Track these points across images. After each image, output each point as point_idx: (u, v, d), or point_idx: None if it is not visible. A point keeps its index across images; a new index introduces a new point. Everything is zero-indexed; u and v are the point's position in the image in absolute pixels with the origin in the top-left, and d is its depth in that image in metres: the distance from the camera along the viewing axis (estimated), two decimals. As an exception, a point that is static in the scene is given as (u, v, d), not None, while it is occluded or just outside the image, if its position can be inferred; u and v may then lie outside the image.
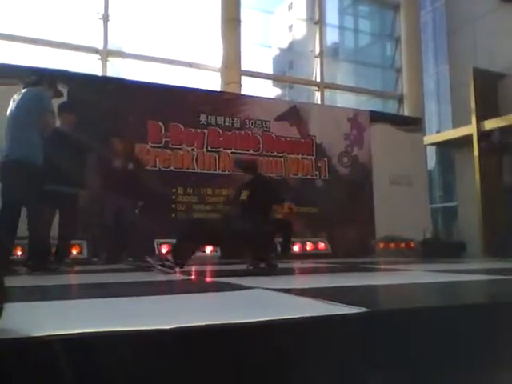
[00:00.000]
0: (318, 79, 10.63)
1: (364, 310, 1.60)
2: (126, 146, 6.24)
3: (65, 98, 5.95)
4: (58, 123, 5.02)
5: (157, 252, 6.69)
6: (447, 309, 1.81)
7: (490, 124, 8.94)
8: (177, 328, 1.30)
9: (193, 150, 7.46)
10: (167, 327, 1.30)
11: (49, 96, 4.43)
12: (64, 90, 6.23)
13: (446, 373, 1.56)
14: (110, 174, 6.00)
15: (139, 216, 6.18)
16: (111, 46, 8.81)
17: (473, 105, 9.31)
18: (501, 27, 9.58)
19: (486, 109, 9.21)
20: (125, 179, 5.89)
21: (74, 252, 6.03)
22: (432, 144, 11.30)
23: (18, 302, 1.84)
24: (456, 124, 10.52)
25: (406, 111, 11.07)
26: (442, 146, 11.73)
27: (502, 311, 1.82)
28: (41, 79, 4.43)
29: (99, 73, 8.42)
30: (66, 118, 5.04)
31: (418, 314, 1.70)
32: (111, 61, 8.71)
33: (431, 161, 12.87)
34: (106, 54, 8.64)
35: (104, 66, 8.61)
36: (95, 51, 8.64)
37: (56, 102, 4.95)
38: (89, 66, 8.59)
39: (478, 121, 9.17)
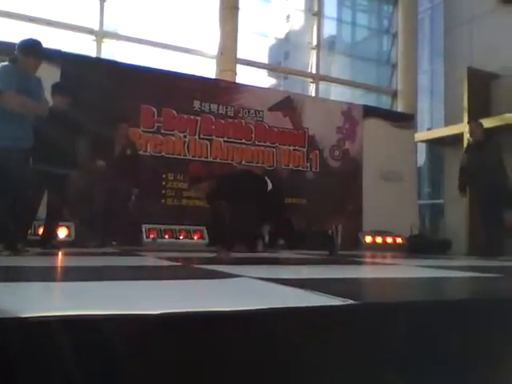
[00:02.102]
0: (314, 71, 10.62)
1: (350, 301, 1.62)
2: (128, 132, 6.19)
3: (57, 79, 5.91)
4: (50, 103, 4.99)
5: (144, 237, 6.70)
6: (431, 303, 1.84)
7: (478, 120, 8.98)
8: (161, 314, 1.31)
9: (185, 136, 7.44)
10: (151, 312, 1.30)
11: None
12: (57, 70, 6.20)
13: (431, 365, 1.59)
14: (106, 157, 5.92)
15: (132, 201, 6.14)
16: (107, 27, 8.72)
17: (465, 103, 9.35)
18: (498, 28, 9.61)
19: (479, 108, 9.26)
20: (122, 164, 5.85)
21: (62, 234, 6.01)
22: (423, 141, 11.35)
23: None
24: (448, 122, 10.57)
25: (400, 107, 11.10)
26: (432, 143, 11.79)
27: (485, 306, 1.86)
28: (17, 52, 4.09)
29: (93, 54, 8.33)
30: (59, 98, 5.00)
31: (404, 307, 1.72)
32: (106, 42, 8.62)
33: (421, 157, 12.94)
34: (101, 35, 8.55)
35: (98, 48, 8.52)
36: (90, 32, 8.55)
37: (47, 79, 4.89)
38: (83, 46, 8.50)
39: (470, 119, 9.21)
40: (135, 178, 5.98)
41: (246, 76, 9.87)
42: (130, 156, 6.05)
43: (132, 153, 6.13)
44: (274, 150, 8.14)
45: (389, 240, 8.63)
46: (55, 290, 1.97)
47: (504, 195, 6.17)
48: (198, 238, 7.08)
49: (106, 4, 8.62)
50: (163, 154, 7.27)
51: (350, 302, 1.61)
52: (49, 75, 5.74)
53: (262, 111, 8.08)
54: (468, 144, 7.07)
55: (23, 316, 1.17)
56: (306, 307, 1.56)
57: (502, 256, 5.83)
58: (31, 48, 4.11)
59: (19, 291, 1.81)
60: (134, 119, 6.99)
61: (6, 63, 4.02)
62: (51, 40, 8.21)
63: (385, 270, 3.96)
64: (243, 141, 7.90)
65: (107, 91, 6.54)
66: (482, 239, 6.60)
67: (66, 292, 1.91)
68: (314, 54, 10.69)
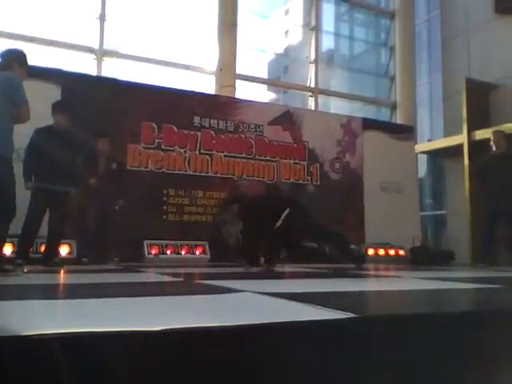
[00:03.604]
0: (313, 85, 10.69)
1: (351, 315, 1.62)
2: (112, 146, 6.23)
3: (58, 97, 5.96)
4: (52, 121, 5.04)
5: (146, 253, 6.70)
6: (434, 315, 1.84)
7: (480, 134, 9.02)
8: (163, 330, 1.31)
9: (185, 151, 7.47)
10: (154, 329, 1.31)
11: (21, 82, 3.91)
12: (58, 89, 6.26)
13: (432, 377, 1.58)
14: (95, 173, 5.98)
15: (119, 214, 6.18)
16: (107, 46, 8.81)
17: (464, 114, 9.39)
18: (495, 38, 9.69)
19: (478, 119, 9.30)
20: (106, 178, 5.91)
21: (64, 252, 6.00)
22: (423, 152, 11.38)
23: None
24: (447, 133, 10.61)
25: (399, 119, 11.15)
26: (433, 154, 11.82)
27: (487, 318, 1.85)
28: (8, 60, 3.98)
29: (94, 73, 8.41)
30: (60, 117, 5.04)
31: (405, 320, 1.72)
32: (106, 61, 8.71)
33: (422, 169, 12.95)
34: (101, 53, 8.64)
35: (99, 66, 8.60)
36: (90, 51, 8.64)
37: (48, 98, 4.93)
38: (84, 65, 8.58)
39: (469, 130, 9.25)
40: (120, 190, 6.07)
41: (245, 91, 9.95)
42: (115, 170, 6.14)
43: (117, 166, 6.19)
44: (274, 163, 8.16)
45: (391, 252, 8.59)
46: (57, 308, 1.97)
47: None
48: (200, 253, 7.06)
49: (105, 23, 8.72)
50: (164, 169, 7.29)
51: (351, 315, 1.62)
52: (50, 94, 5.83)
53: (261, 125, 8.12)
54: (490, 154, 6.84)
55: (23, 334, 1.18)
56: (307, 321, 1.56)
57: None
58: (25, 59, 4.10)
59: (19, 309, 1.81)
60: (135, 136, 7.05)
61: (9, 73, 3.90)
62: (52, 59, 8.32)
63: (386, 283, 3.95)
64: (244, 155, 7.92)
65: (108, 109, 6.60)
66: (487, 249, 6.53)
67: (67, 310, 1.92)
68: (312, 68, 10.77)
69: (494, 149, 6.61)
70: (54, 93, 6.05)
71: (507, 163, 6.31)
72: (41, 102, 4.68)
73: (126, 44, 9.80)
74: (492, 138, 6.66)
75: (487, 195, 6.54)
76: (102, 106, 6.57)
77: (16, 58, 4.01)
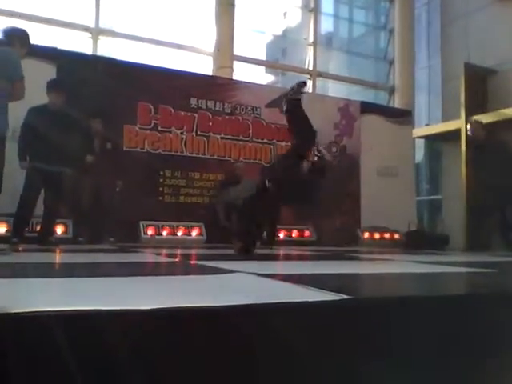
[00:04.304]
0: (311, 67, 10.61)
1: (344, 296, 1.62)
2: (106, 126, 6.19)
3: (54, 76, 5.90)
4: (47, 100, 4.99)
5: (142, 234, 6.71)
6: (426, 298, 1.85)
7: (478, 119, 9.00)
8: (155, 309, 1.31)
9: (182, 133, 7.44)
10: (145, 308, 1.31)
11: (19, 58, 3.89)
12: (53, 68, 6.20)
13: (423, 359, 1.59)
14: (91, 152, 5.97)
15: (119, 196, 6.18)
16: (103, 24, 8.69)
17: (462, 99, 9.35)
18: (494, 23, 9.60)
19: (476, 104, 9.27)
20: (103, 159, 5.89)
21: (60, 231, 6.01)
22: (421, 137, 11.35)
23: None
24: (445, 118, 10.58)
25: (397, 103, 11.10)
26: (430, 139, 11.79)
27: (480, 302, 1.86)
28: (11, 38, 3.98)
29: (89, 52, 8.31)
30: (55, 96, 4.99)
31: (398, 302, 1.73)
32: (102, 40, 8.60)
33: (419, 153, 12.94)
34: (97, 32, 8.53)
35: (95, 45, 8.50)
36: (86, 29, 8.53)
37: (42, 77, 4.89)
38: (79, 44, 8.48)
39: (467, 115, 9.22)
40: (118, 171, 6.03)
41: (243, 73, 9.86)
42: (110, 150, 6.08)
43: (112, 146, 6.16)
44: (271, 146, 8.14)
45: (386, 236, 8.64)
46: (49, 286, 1.97)
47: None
48: (197, 235, 7.08)
49: (101, 1, 8.59)
50: (160, 151, 7.26)
51: (344, 296, 1.62)
52: (45, 73, 5.76)
53: (259, 108, 8.08)
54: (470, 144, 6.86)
55: (16, 311, 1.18)
56: (300, 302, 1.56)
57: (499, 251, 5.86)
58: (27, 40, 4.08)
59: (13, 287, 1.81)
60: (130, 116, 7.00)
61: (7, 48, 3.86)
62: (47, 38, 8.21)
63: (380, 266, 3.97)
64: (241, 137, 7.89)
65: (104, 88, 6.54)
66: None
67: (61, 288, 1.92)
68: (311, 50, 10.68)
69: (473, 138, 6.62)
70: (49, 71, 5.99)
71: (486, 152, 6.36)
72: (35, 81, 4.62)
73: (123, 23, 9.68)
74: (469, 128, 6.65)
75: (476, 185, 6.57)
76: (98, 86, 6.50)
77: (18, 36, 4.00)
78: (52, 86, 5.04)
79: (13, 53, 3.83)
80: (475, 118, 7.41)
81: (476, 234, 6.48)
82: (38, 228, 5.19)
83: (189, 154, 7.46)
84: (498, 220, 6.27)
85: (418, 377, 1.56)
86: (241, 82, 8.49)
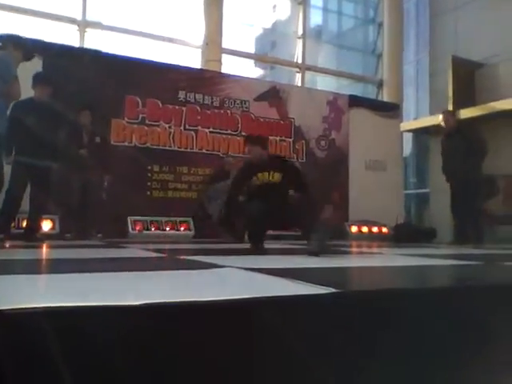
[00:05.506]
0: (300, 61, 10.59)
1: (332, 290, 1.62)
2: (94, 119, 6.10)
3: (40, 68, 5.82)
4: (33, 94, 4.93)
5: (130, 229, 6.67)
6: (414, 291, 1.86)
7: (466, 112, 9.06)
8: (145, 304, 1.30)
9: (170, 127, 7.39)
10: (133, 303, 1.30)
11: (11, 60, 4.01)
12: (39, 60, 6.10)
13: (413, 352, 1.60)
14: (79, 146, 5.88)
15: (107, 190, 6.12)
16: (90, 17, 8.59)
17: (450, 93, 9.41)
18: (482, 17, 9.66)
19: (463, 97, 9.33)
20: (91, 153, 5.81)
21: (47, 227, 5.96)
22: (408, 130, 11.41)
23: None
24: (433, 111, 10.63)
25: (385, 97, 11.13)
26: (418, 132, 11.86)
27: (466, 293, 1.88)
28: (4, 42, 4.08)
29: (77, 44, 8.22)
30: (41, 89, 4.93)
31: (386, 295, 1.73)
32: (89, 32, 8.51)
33: (407, 147, 13.01)
34: (84, 25, 8.43)
35: (82, 38, 8.41)
36: (73, 22, 8.43)
37: (29, 70, 4.82)
38: (66, 37, 8.37)
39: (455, 109, 9.28)
40: (106, 166, 5.96)
41: (231, 66, 9.82)
42: (99, 144, 6.01)
43: (101, 140, 6.09)
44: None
45: (374, 230, 8.68)
46: (36, 283, 1.95)
47: (473, 183, 6.20)
48: (185, 230, 7.06)
49: (89, -6, 8.50)
50: (148, 145, 7.22)
51: (333, 290, 1.62)
52: (31, 66, 5.68)
53: (248, 101, 8.05)
54: (443, 133, 7.03)
55: (1, 308, 1.16)
56: (290, 296, 1.57)
57: (481, 244, 5.91)
58: (21, 42, 4.10)
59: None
60: (117, 110, 6.94)
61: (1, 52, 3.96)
62: (34, 30, 8.11)
63: (368, 259, 3.99)
64: (229, 131, 7.87)
65: (91, 82, 6.48)
66: (457, 227, 6.67)
67: (47, 284, 1.90)
68: (300, 43, 10.65)
69: (444, 127, 6.72)
70: (34, 64, 5.90)
71: (454, 137, 6.41)
72: (21, 74, 4.56)
73: (110, 15, 9.56)
74: (441, 118, 6.73)
75: (446, 173, 6.62)
76: (85, 79, 6.44)
77: (11, 40, 4.01)
78: (38, 80, 4.97)
79: (3, 54, 3.84)
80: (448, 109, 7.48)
81: (461, 225, 6.51)
82: (24, 224, 5.13)
83: (177, 149, 7.42)
84: (470, 209, 6.31)
85: (409, 370, 1.57)
86: (229, 75, 8.45)
